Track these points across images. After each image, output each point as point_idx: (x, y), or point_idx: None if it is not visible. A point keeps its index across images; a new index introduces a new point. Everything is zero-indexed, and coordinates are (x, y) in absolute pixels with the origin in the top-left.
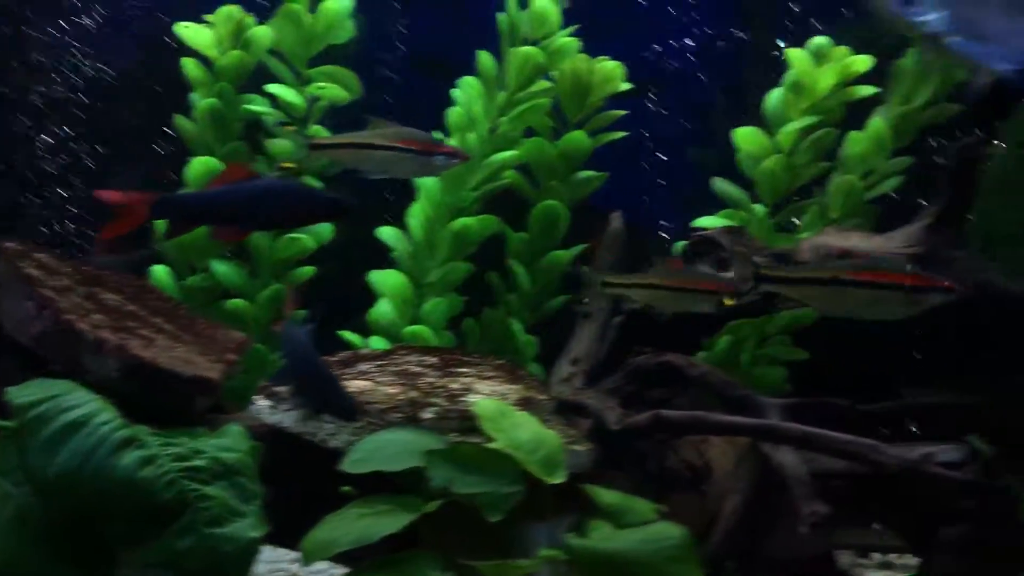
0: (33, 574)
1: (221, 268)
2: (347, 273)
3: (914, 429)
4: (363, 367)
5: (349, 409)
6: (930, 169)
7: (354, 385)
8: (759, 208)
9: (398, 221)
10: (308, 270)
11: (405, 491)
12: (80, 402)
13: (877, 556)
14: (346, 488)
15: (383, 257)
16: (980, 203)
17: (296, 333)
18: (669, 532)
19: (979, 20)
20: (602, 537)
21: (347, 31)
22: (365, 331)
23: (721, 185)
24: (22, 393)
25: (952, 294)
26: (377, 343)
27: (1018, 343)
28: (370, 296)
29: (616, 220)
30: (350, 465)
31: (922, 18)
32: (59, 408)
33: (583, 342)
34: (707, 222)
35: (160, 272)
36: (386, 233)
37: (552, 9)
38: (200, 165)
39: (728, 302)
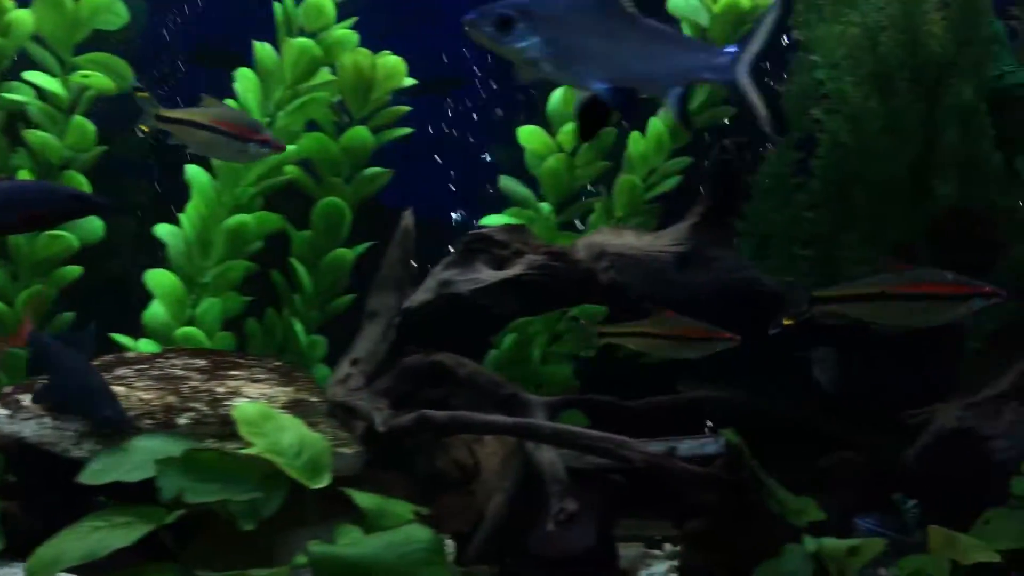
0: None
1: None
2: (129, 272)
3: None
4: (122, 372)
5: (117, 420)
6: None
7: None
8: (545, 206)
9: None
10: (74, 270)
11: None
12: None
13: (668, 547)
14: (101, 498)
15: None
16: (754, 204)
17: (48, 344)
18: (417, 535)
19: (574, 44)
20: (348, 543)
21: (119, 17)
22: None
23: (507, 183)
24: None
25: (992, 298)
26: (147, 346)
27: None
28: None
29: (407, 218)
30: (88, 476)
31: (518, 45)
32: None
33: (366, 342)
34: (493, 220)
35: None
36: (162, 230)
37: (327, 1)
38: None
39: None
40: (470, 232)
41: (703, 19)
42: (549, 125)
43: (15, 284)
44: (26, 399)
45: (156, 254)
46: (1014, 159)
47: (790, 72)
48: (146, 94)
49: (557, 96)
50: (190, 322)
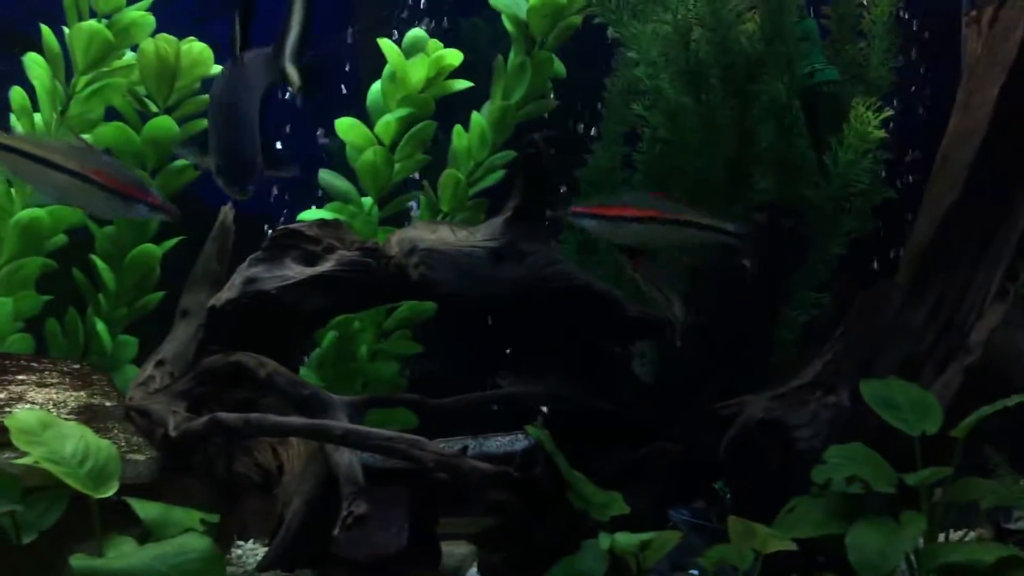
0: None
1: None
2: None
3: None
4: None
5: None
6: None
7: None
8: (367, 200)
9: None
10: None
11: None
12: None
13: None
14: None
15: None
16: (580, 198)
17: None
18: (192, 544)
19: None
20: (119, 555)
21: None
22: None
23: (326, 177)
24: None
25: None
26: None
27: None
28: None
29: (226, 213)
30: None
31: None
32: None
33: (174, 343)
34: (311, 215)
35: None
36: None
37: None
38: None
39: None
40: (279, 228)
41: (522, 12)
42: (367, 117)
43: None
44: None
45: None
46: (824, 154)
47: (612, 68)
48: None
49: (376, 88)
50: None
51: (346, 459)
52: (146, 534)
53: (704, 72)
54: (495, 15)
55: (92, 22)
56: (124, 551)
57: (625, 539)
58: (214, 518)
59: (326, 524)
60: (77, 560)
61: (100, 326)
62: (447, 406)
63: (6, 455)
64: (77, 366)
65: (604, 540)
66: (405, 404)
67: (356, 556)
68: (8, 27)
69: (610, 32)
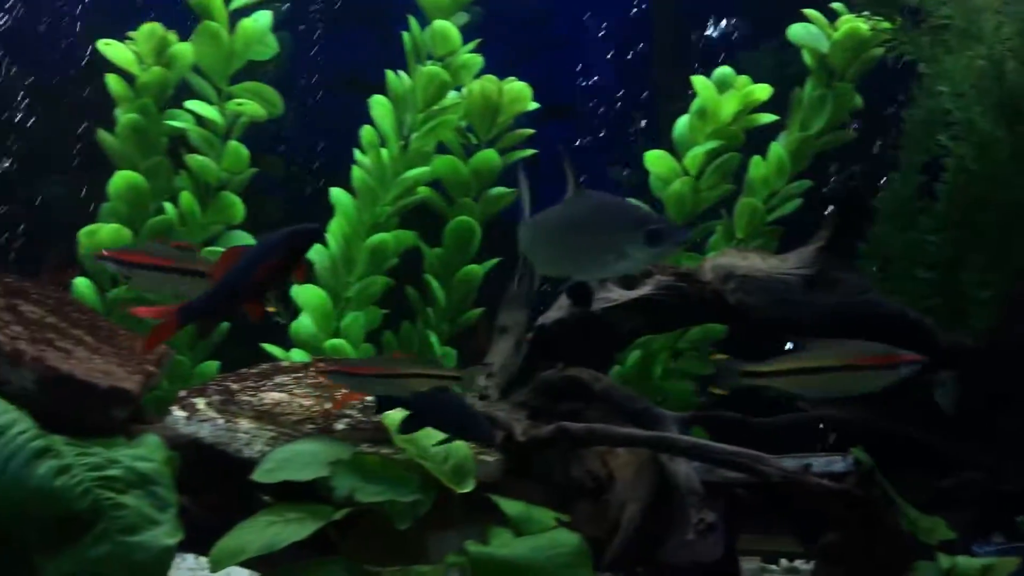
0: None
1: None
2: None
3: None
4: (280, 379)
5: (488, 436)
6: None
7: (270, 397)
8: None
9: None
10: None
11: (317, 500)
12: None
13: (784, 562)
14: (266, 497)
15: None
16: (876, 227)
17: None
18: (564, 539)
19: None
20: (501, 544)
21: (269, 48)
22: (285, 343)
23: None
24: None
25: (915, 365)
26: (298, 356)
27: None
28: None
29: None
30: (261, 475)
31: None
32: None
33: (499, 356)
34: None
35: (82, 285)
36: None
37: (451, 27)
38: (122, 179)
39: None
40: None
41: (823, 46)
42: (675, 150)
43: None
44: (200, 403)
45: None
46: None
47: (911, 99)
48: None
49: (683, 122)
50: (335, 334)
51: (684, 470)
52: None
53: (1018, 104)
54: (776, 48)
55: (432, 66)
56: (504, 540)
57: (967, 562)
58: (566, 518)
59: (656, 530)
60: (471, 546)
61: (433, 338)
62: (764, 426)
63: (386, 450)
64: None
65: (944, 561)
66: (728, 422)
67: (678, 561)
68: (352, 74)
69: (916, 64)
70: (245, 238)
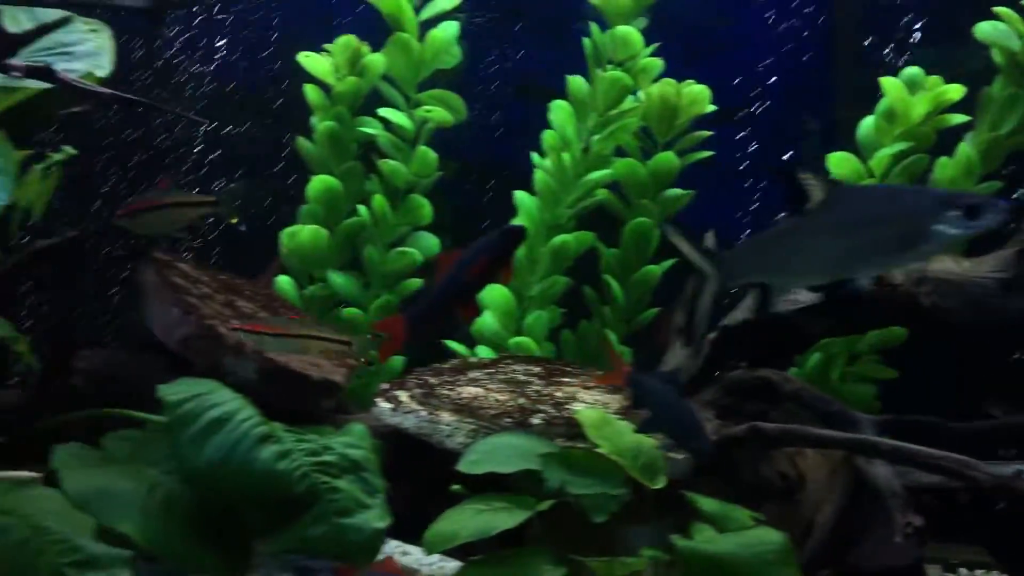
0: (178, 556)
1: (337, 279)
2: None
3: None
4: (474, 374)
5: (706, 452)
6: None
7: (467, 391)
8: None
9: None
10: (416, 282)
11: (515, 492)
12: (223, 400)
13: (964, 572)
14: (456, 487)
15: None
16: None
17: (646, 382)
18: (769, 537)
19: None
20: (705, 539)
21: (454, 57)
22: (468, 341)
23: None
24: (172, 391)
25: None
26: (483, 352)
27: None
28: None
29: (709, 239)
30: (466, 466)
31: None
32: (205, 405)
33: (677, 356)
34: None
35: (284, 282)
36: None
37: (634, 32)
38: (319, 183)
39: None
40: None
41: (1014, 44)
42: (860, 152)
43: (366, 293)
44: (403, 395)
45: None
46: None
47: None
48: None
49: (868, 124)
50: (517, 332)
51: (883, 473)
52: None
53: None
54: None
55: (614, 71)
56: (708, 536)
57: None
58: (761, 516)
59: (847, 533)
60: (679, 540)
61: (613, 337)
62: (961, 431)
63: (580, 445)
64: (601, 373)
65: None
66: (924, 426)
67: (869, 566)
68: (529, 80)
69: None
70: (430, 239)
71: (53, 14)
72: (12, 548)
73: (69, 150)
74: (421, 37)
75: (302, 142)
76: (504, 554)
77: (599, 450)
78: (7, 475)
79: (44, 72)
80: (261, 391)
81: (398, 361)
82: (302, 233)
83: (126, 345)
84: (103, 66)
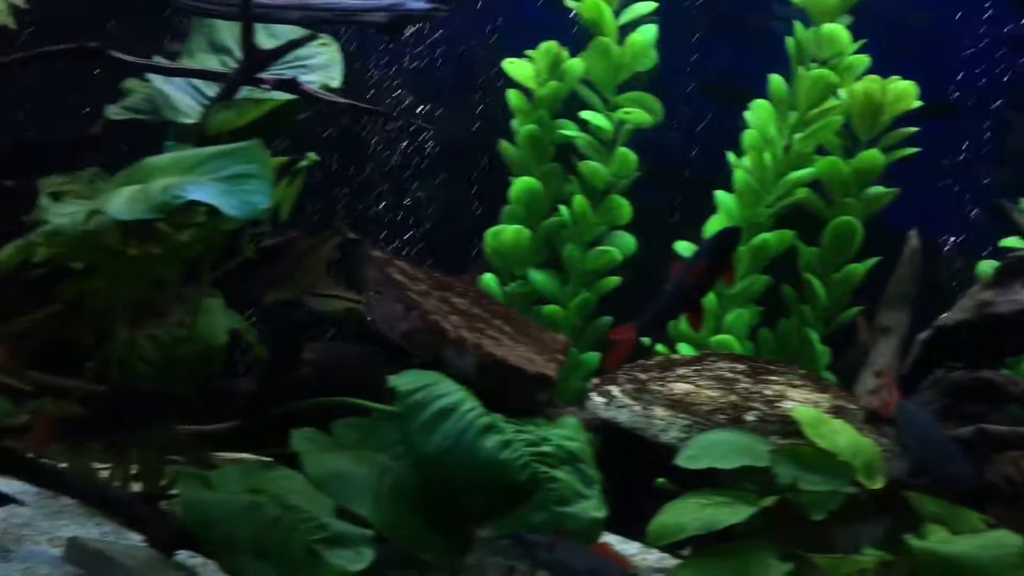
0: (408, 537)
1: (537, 276)
2: (645, 283)
3: None
4: (681, 371)
5: (968, 482)
6: None
7: (678, 387)
8: None
9: (694, 235)
10: (613, 280)
11: (728, 488)
12: (449, 391)
13: None
14: (661, 480)
15: None
16: None
17: (915, 412)
18: (1008, 540)
19: None
20: (940, 540)
21: (651, 59)
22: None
23: None
24: (402, 381)
25: None
26: (685, 350)
27: None
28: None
29: (913, 238)
30: (686, 460)
31: None
32: (432, 396)
33: (885, 356)
34: (1014, 243)
35: (488, 279)
36: (683, 247)
37: (841, 29)
38: (521, 184)
39: None
40: (1008, 256)
41: None
42: None
43: (565, 290)
44: (615, 390)
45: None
46: None
47: None
48: None
49: None
50: (717, 330)
51: None
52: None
53: None
54: None
55: (819, 69)
56: (942, 537)
57: None
58: (991, 519)
59: None
60: (913, 540)
61: (814, 336)
62: None
63: (797, 442)
64: (803, 371)
65: None
66: None
67: None
68: (713, 80)
69: None
70: (627, 238)
71: (291, 31)
72: (267, 525)
73: (312, 156)
74: (620, 41)
75: (505, 146)
76: (725, 548)
77: (820, 446)
78: (249, 457)
79: (290, 84)
80: (478, 383)
81: (594, 357)
82: (505, 232)
83: (348, 338)
84: (335, 77)
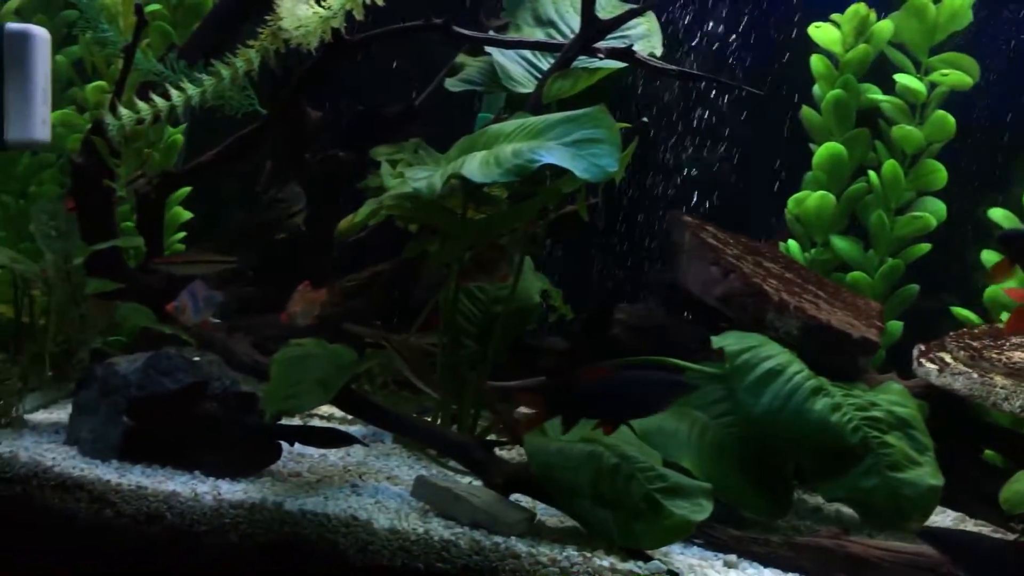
0: (731, 493)
1: (840, 243)
2: (947, 251)
3: None
4: (1016, 340)
5: None
6: None
7: (1017, 355)
8: None
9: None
10: (924, 247)
11: None
12: (774, 353)
13: None
14: (989, 451)
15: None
16: None
17: None
18: None
19: None
20: None
21: (966, 19)
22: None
23: None
24: (727, 342)
25: None
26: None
27: None
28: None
29: None
30: None
31: None
32: (758, 357)
33: None
34: None
35: (792, 246)
36: (997, 214)
37: None
38: (825, 150)
39: None
40: None
41: None
42: None
43: (867, 257)
44: (947, 357)
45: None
46: None
47: None
48: None
49: None
50: None
51: None
52: None
53: None
54: None
55: None
56: None
57: None
58: None
59: None
60: None
61: None
62: None
63: None
64: None
65: None
66: None
67: None
68: None
69: None
70: (937, 204)
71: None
72: (605, 472)
73: (645, 121)
74: (936, 1)
75: (808, 112)
76: None
77: None
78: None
79: (625, 53)
80: (800, 346)
81: (897, 326)
82: (809, 199)
83: (657, 300)
84: (656, 46)
